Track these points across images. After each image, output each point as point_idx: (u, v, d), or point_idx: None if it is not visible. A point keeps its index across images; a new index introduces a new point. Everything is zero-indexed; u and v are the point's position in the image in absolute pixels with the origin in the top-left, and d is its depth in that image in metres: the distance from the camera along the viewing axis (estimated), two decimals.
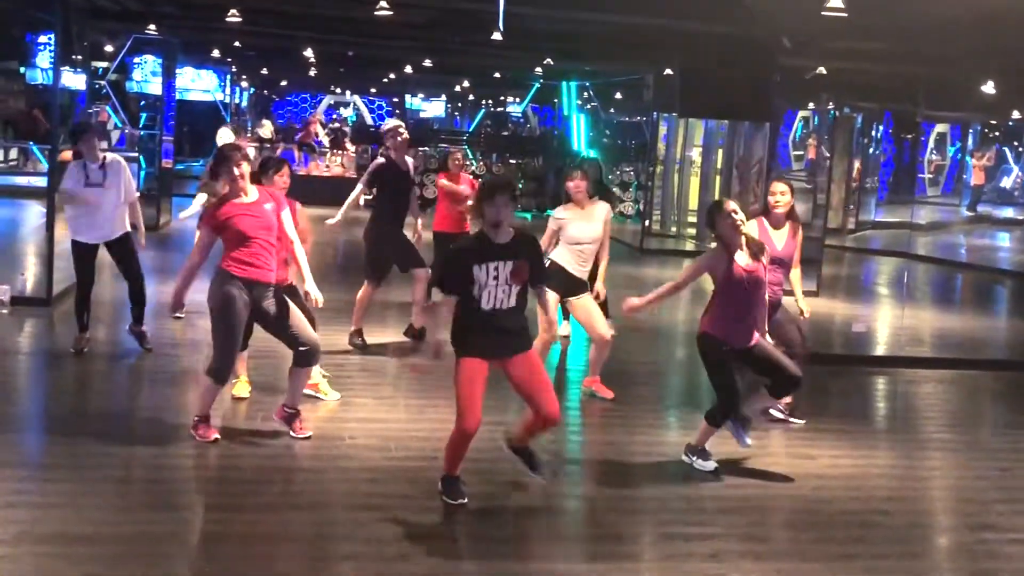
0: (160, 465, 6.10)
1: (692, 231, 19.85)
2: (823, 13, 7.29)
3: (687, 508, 5.94)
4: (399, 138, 9.33)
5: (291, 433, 6.59)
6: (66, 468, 6.05)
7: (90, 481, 5.79)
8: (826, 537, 5.67)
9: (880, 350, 11.22)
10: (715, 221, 6.38)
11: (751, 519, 5.87)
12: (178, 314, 7.16)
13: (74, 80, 14.07)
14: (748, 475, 6.50)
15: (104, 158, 8.40)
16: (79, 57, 13.85)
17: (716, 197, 19.33)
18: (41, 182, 10.44)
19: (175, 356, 8.67)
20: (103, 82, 18.72)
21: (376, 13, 10.04)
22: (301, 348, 6.50)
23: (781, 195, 7.39)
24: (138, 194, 8.74)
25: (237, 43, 19.80)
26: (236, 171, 6.32)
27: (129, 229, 8.53)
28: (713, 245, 6.73)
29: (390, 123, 9.66)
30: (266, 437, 6.59)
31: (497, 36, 11.34)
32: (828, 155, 13.25)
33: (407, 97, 37.86)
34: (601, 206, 7.95)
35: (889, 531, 5.76)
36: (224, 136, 10.38)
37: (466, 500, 5.66)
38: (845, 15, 7.40)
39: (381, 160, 9.39)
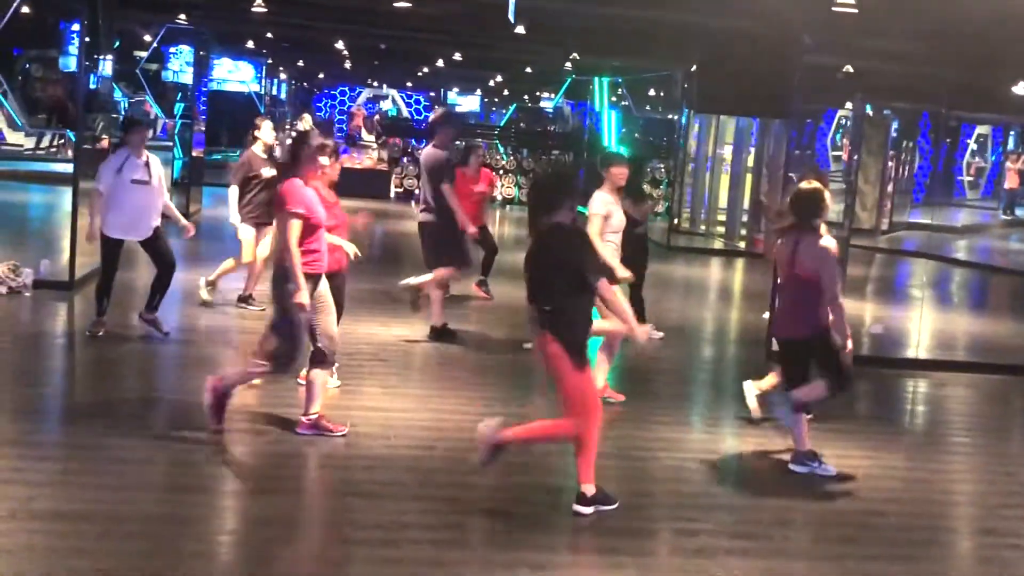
0: (157, 447, 6.17)
1: (721, 229, 19.74)
2: (833, 9, 7.21)
3: (678, 504, 5.92)
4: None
5: (331, 433, 6.48)
6: (64, 447, 6.16)
7: (87, 460, 5.88)
8: (818, 536, 5.63)
9: (900, 352, 11.11)
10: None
11: (743, 516, 5.84)
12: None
13: (105, 69, 14.26)
14: (746, 473, 6.48)
15: (147, 155, 8.54)
16: (106, 46, 14.00)
17: (747, 196, 19.30)
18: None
19: (190, 343, 8.76)
20: (136, 71, 18.92)
21: (395, 5, 10.07)
22: (318, 344, 6.47)
23: None
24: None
25: (269, 34, 19.94)
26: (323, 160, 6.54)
27: (159, 223, 8.58)
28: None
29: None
30: (266, 423, 6.64)
31: (520, 30, 11.32)
32: (855, 155, 13.14)
33: (446, 92, 38.03)
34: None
35: (883, 533, 5.71)
36: (266, 128, 10.37)
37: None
38: (855, 11, 7.32)
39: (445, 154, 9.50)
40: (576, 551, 5.21)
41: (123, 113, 28.33)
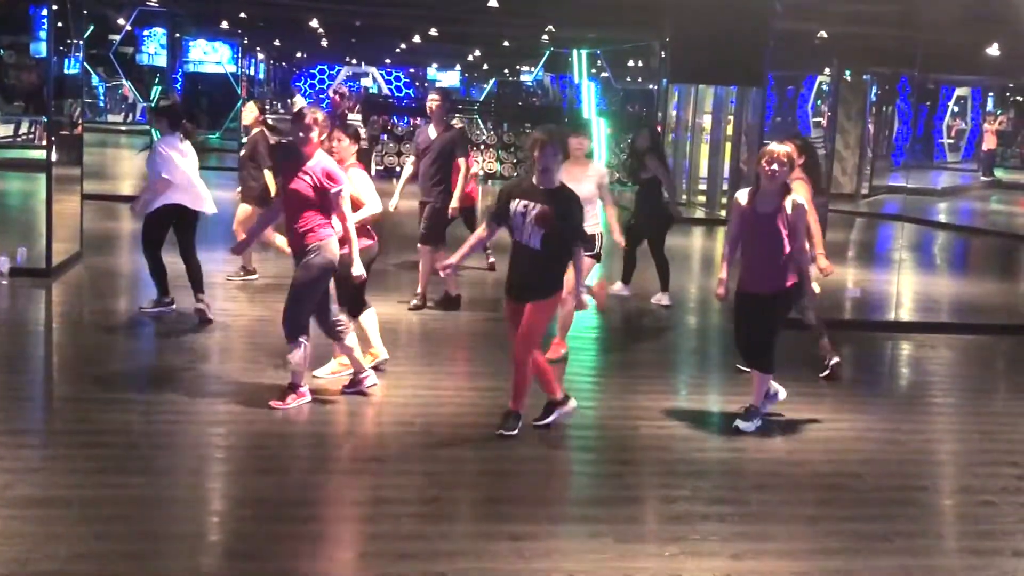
0: (137, 432, 6.18)
1: (702, 199, 19.76)
2: None
3: (657, 471, 5.96)
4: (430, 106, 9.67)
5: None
6: (44, 434, 6.17)
7: (65, 446, 5.89)
8: (793, 499, 5.67)
9: (881, 315, 11.18)
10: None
11: (721, 482, 5.88)
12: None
13: (76, 54, 14.09)
14: (723, 438, 6.52)
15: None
16: (77, 31, 13.84)
17: (726, 164, 19.31)
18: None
19: (170, 325, 8.73)
20: (110, 55, 18.77)
21: None
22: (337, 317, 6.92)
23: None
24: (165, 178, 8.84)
25: (243, 14, 19.81)
26: (310, 135, 6.52)
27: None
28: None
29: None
30: (245, 403, 6.64)
31: (493, 3, 11.27)
32: (833, 120, 13.14)
33: (424, 68, 37.90)
34: (594, 167, 8.13)
35: (858, 494, 5.76)
36: (250, 110, 10.43)
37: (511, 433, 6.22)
38: None
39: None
40: (555, 521, 5.24)
41: (101, 98, 28.20)
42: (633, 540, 5.02)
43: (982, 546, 5.20)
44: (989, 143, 26.98)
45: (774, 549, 5.02)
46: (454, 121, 13.35)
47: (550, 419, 6.45)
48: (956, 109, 30.46)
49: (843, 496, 5.71)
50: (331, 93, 36.26)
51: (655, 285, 10.56)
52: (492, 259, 11.80)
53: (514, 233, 6.19)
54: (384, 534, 4.96)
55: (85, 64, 15.18)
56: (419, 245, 9.61)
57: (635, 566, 4.73)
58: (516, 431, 6.27)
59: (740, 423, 6.66)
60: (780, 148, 6.54)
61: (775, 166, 6.44)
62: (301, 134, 6.50)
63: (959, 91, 29.82)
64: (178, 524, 4.97)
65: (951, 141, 30.64)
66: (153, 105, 19.59)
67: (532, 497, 5.51)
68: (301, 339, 6.54)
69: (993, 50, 13.88)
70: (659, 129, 16.51)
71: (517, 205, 6.13)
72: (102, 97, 28.05)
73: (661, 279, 10.46)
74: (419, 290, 9.63)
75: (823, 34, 13.24)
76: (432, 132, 9.56)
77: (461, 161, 9.60)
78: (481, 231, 6.48)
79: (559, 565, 4.71)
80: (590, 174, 7.99)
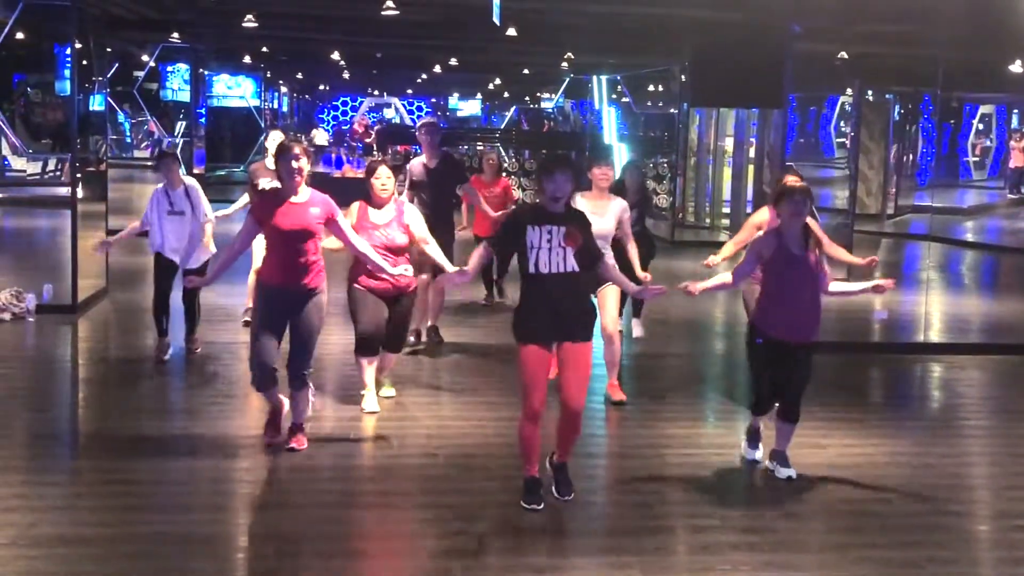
0: (163, 469, 6.17)
1: (726, 222, 19.67)
2: None
3: (684, 500, 5.89)
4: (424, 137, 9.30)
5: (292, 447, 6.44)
6: (69, 472, 6.18)
7: (90, 484, 5.89)
8: (823, 527, 5.59)
9: (910, 337, 11.05)
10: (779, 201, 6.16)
11: (749, 511, 5.81)
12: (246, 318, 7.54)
13: (100, 91, 14.29)
14: (753, 468, 6.44)
15: (184, 183, 8.56)
16: (100, 68, 14.01)
17: (749, 187, 19.24)
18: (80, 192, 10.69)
19: (198, 363, 8.73)
20: (133, 91, 18.98)
21: (383, 13, 10.07)
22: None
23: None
24: (212, 217, 8.70)
25: (265, 48, 19.99)
26: (294, 164, 6.13)
27: (211, 255, 8.60)
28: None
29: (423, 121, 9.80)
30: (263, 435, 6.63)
31: (512, 32, 11.30)
32: (855, 141, 13.08)
33: (446, 97, 38.10)
34: (617, 202, 7.54)
35: (889, 520, 5.67)
36: (274, 139, 10.16)
37: (540, 507, 5.58)
38: None
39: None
40: (580, 553, 5.18)
41: (127, 134, 28.52)
42: (660, 572, 4.94)
43: (1017, 573, 5.09)
44: (1016, 160, 26.74)
45: None
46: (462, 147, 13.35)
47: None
48: (981, 127, 30.24)
49: (873, 522, 5.61)
50: (355, 125, 36.61)
51: (674, 313, 10.47)
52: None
53: (538, 265, 5.59)
54: (408, 569, 4.92)
55: (110, 101, 15.36)
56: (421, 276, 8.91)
57: None
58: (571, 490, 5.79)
59: (780, 469, 6.27)
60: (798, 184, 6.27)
61: (799, 203, 6.05)
62: (295, 164, 6.14)
63: (983, 109, 29.61)
64: (202, 561, 4.94)
65: (976, 159, 30.40)
66: (166, 145, 19.63)
67: (556, 528, 5.45)
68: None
69: (1016, 67, 13.77)
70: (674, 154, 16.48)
71: (538, 233, 5.59)
72: (128, 133, 28.39)
73: (633, 307, 9.79)
74: (432, 321, 9.29)
75: (844, 55, 13.19)
76: (425, 163, 9.10)
77: (466, 192, 9.33)
78: (480, 250, 5.90)
79: None
80: (612, 209, 7.43)
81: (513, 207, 10.97)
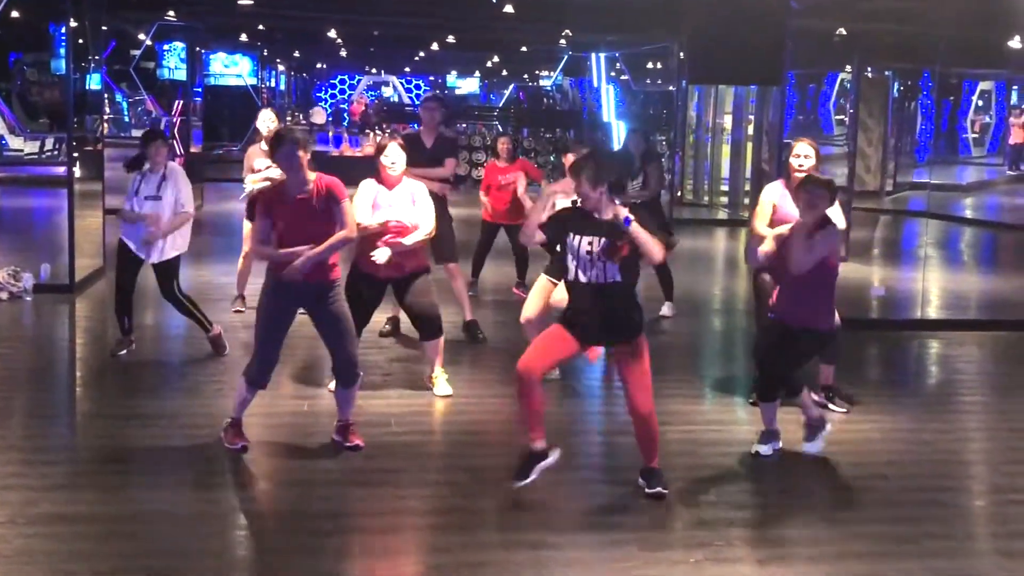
0: (161, 448, 6.19)
1: (724, 199, 19.67)
2: None
3: (681, 477, 5.88)
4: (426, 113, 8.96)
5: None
6: (67, 451, 6.19)
7: (89, 462, 5.90)
8: (819, 503, 5.62)
9: (908, 313, 11.06)
10: None
11: (746, 487, 5.84)
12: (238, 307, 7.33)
13: (97, 69, 14.21)
14: (748, 442, 6.45)
15: (165, 167, 7.81)
16: (96, 47, 13.93)
17: (748, 164, 19.21)
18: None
19: (195, 345, 8.72)
20: (130, 70, 18.90)
21: None
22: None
23: (805, 158, 6.71)
24: (191, 210, 7.93)
25: (261, 26, 19.91)
26: (301, 154, 5.73)
27: (181, 252, 7.92)
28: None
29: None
30: (264, 416, 6.64)
31: (509, 8, 11.25)
32: (848, 117, 13.08)
33: (444, 76, 37.97)
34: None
35: (885, 495, 5.69)
36: (264, 118, 9.84)
37: (524, 481, 5.43)
38: None
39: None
40: (578, 529, 5.19)
41: (125, 113, 28.41)
42: (657, 547, 4.97)
43: (1013, 547, 5.11)
44: (1016, 137, 26.70)
45: (801, 554, 4.95)
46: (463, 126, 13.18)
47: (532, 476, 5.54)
48: (980, 103, 30.16)
49: (870, 498, 5.64)
50: (353, 103, 36.48)
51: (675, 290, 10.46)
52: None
53: (578, 271, 5.35)
54: (408, 546, 4.94)
55: (108, 80, 15.29)
56: (448, 265, 8.74)
57: (660, 573, 4.69)
58: (666, 487, 5.53)
59: (806, 446, 6.17)
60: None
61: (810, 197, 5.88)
62: (301, 153, 5.74)
63: (983, 85, 29.53)
64: (201, 539, 4.96)
65: (976, 136, 30.33)
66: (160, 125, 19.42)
67: (554, 505, 5.47)
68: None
69: (1016, 43, 13.73)
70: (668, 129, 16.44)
71: (579, 242, 5.31)
72: (126, 112, 28.28)
73: (664, 290, 10.06)
74: (468, 315, 8.89)
75: (842, 31, 13.14)
76: (423, 140, 8.67)
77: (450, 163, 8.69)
78: (539, 224, 5.49)
79: (582, 574, 4.68)
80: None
81: (544, 185, 10.78)
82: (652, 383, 5.48)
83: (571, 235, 5.35)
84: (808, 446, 6.14)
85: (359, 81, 40.05)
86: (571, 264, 5.37)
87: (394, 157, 6.92)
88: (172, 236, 7.80)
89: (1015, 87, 29.71)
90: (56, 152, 21.67)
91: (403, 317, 8.13)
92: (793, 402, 6.23)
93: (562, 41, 19.41)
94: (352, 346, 6.06)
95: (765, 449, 6.22)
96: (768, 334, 6.22)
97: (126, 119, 28.54)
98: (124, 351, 8.03)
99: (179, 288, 7.99)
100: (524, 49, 24.37)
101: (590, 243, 5.29)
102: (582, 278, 5.35)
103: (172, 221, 7.75)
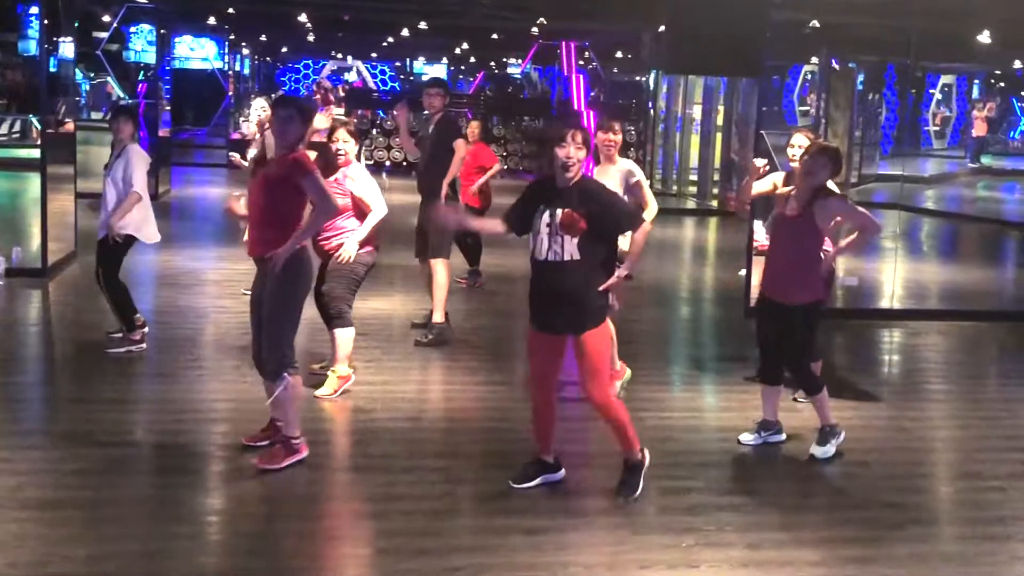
0: (142, 431, 6.18)
1: (693, 189, 19.78)
2: None
3: (665, 463, 5.93)
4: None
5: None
6: (48, 435, 6.12)
7: (70, 447, 5.84)
8: (805, 489, 5.71)
9: (875, 303, 11.22)
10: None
11: (732, 472, 5.91)
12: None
13: (66, 51, 14.03)
14: (730, 430, 6.52)
15: (125, 146, 7.66)
16: (66, 28, 13.73)
17: (717, 155, 19.34)
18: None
19: (170, 327, 8.66)
20: (97, 52, 18.65)
21: None
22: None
23: (799, 148, 6.54)
24: (137, 191, 7.56)
25: (231, 9, 19.72)
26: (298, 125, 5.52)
27: (132, 234, 7.67)
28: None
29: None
30: (247, 402, 6.61)
31: None
32: (813, 108, 13.22)
33: (412, 62, 37.76)
34: (622, 162, 7.00)
35: (869, 482, 5.79)
36: (258, 106, 9.87)
37: (516, 486, 5.39)
38: None
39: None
40: (568, 514, 5.23)
41: (83, 95, 28.01)
42: (649, 532, 5.02)
43: (994, 531, 5.23)
44: (979, 130, 27.09)
45: (790, 538, 5.02)
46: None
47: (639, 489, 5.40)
48: (940, 97, 30.55)
49: (854, 484, 5.73)
50: (315, 88, 36.18)
51: (643, 279, 10.54)
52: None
53: (538, 250, 5.15)
54: (398, 530, 4.95)
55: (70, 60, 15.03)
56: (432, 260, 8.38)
57: (652, 557, 4.74)
58: (641, 486, 5.40)
59: (815, 450, 6.09)
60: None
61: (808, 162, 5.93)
62: (299, 123, 5.54)
63: (944, 79, 29.91)
64: (187, 524, 4.94)
65: (937, 128, 30.73)
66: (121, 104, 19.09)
67: (545, 491, 5.50)
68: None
69: (984, 38, 13.92)
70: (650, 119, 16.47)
71: (541, 217, 5.12)
72: (84, 94, 27.86)
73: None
74: (438, 318, 8.36)
75: (815, 23, 13.26)
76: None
77: (459, 144, 8.47)
78: (497, 225, 5.41)
79: (575, 558, 4.72)
80: (612, 174, 6.78)
81: (496, 168, 10.89)
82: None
83: (540, 208, 5.16)
84: (817, 450, 6.09)
85: (323, 66, 39.75)
86: (533, 241, 5.17)
87: (340, 143, 6.78)
88: (119, 213, 7.52)
89: (976, 81, 30.13)
90: (17, 134, 21.33)
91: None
92: (811, 400, 6.29)
93: (534, 29, 19.40)
94: (267, 337, 5.60)
95: (751, 438, 6.25)
96: (764, 317, 6.20)
97: (83, 101, 28.13)
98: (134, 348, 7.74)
99: (114, 276, 7.72)
100: (494, 36, 24.33)
101: (551, 215, 5.09)
102: (539, 256, 5.15)
103: (123, 205, 7.53)
